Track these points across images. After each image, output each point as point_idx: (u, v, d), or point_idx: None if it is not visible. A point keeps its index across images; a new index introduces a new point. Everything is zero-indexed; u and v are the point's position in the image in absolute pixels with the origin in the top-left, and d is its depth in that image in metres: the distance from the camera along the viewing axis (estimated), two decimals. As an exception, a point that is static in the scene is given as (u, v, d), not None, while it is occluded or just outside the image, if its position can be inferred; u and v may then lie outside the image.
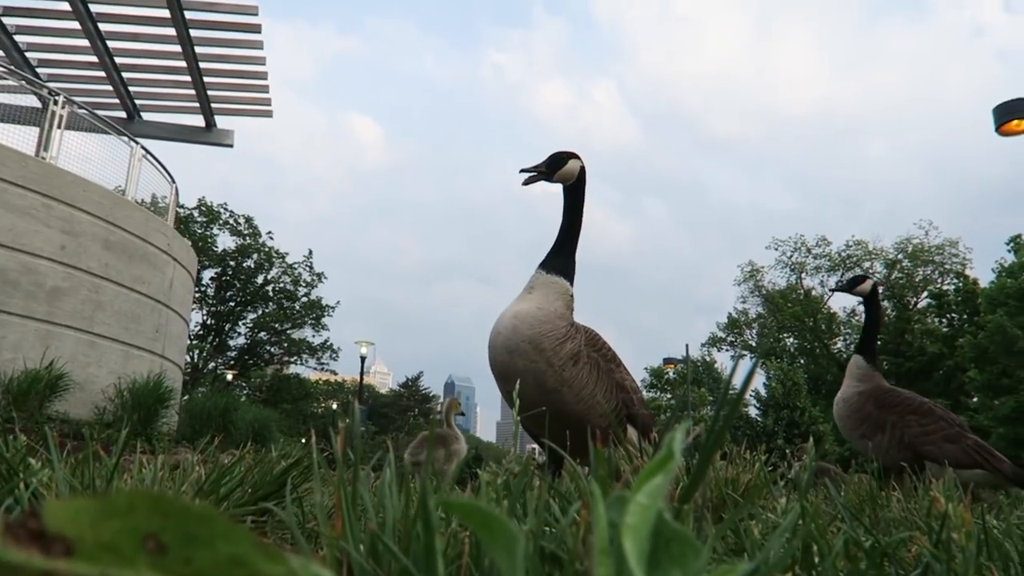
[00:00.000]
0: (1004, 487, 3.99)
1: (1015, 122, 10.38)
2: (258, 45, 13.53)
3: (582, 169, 3.08)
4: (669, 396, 42.98)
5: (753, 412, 38.62)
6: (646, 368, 44.56)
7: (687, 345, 29.78)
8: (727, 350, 43.54)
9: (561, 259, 2.99)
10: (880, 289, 5.19)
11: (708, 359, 45.60)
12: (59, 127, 10.76)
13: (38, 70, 14.61)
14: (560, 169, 3.02)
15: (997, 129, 10.59)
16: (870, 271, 39.51)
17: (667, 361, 37.69)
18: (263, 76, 14.52)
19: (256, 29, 13.03)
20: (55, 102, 10.81)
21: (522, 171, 3.08)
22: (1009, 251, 32.79)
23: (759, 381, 37.59)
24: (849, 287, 4.90)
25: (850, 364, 4.41)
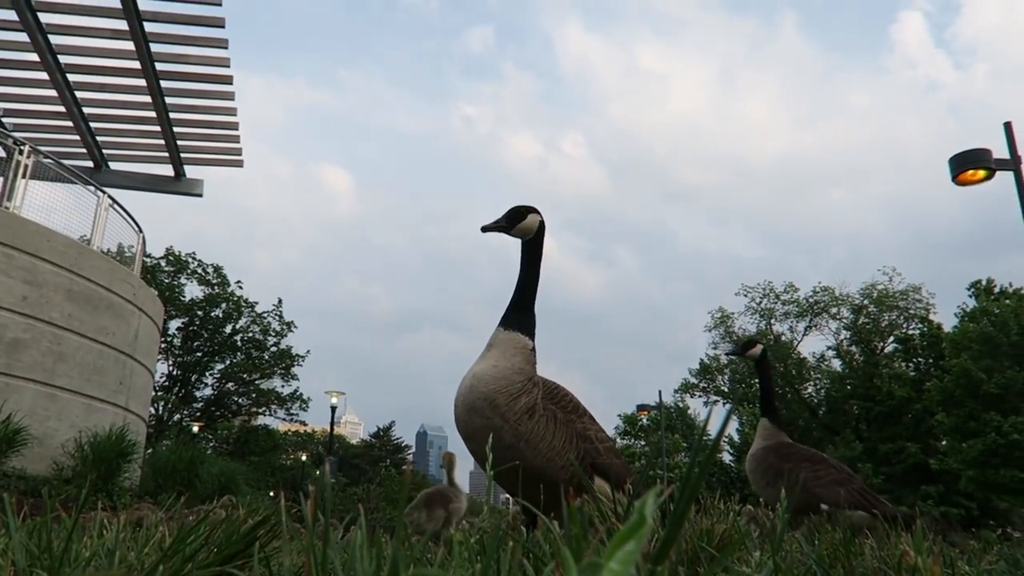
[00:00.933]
0: (882, 526, 4.35)
1: (970, 172, 10.74)
2: (229, 96, 13.60)
3: (541, 223, 3.11)
4: (643, 443, 42.82)
5: (727, 458, 38.58)
6: (620, 415, 44.51)
7: (660, 391, 29.89)
8: (700, 396, 43.66)
9: (519, 314, 3.01)
10: (769, 353, 5.47)
11: (681, 405, 45.72)
12: (24, 176, 10.64)
13: (3, 119, 14.49)
14: (520, 223, 3.05)
15: (954, 179, 10.95)
16: (838, 316, 40.19)
17: (641, 408, 37.69)
18: (234, 126, 14.56)
19: (227, 80, 13.11)
20: (20, 151, 10.71)
21: (483, 228, 3.12)
22: (971, 296, 33.65)
23: (732, 427, 37.62)
24: (742, 351, 5.18)
25: (758, 426, 4.74)
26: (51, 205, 10.99)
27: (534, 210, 3.11)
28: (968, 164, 10.75)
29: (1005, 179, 10.72)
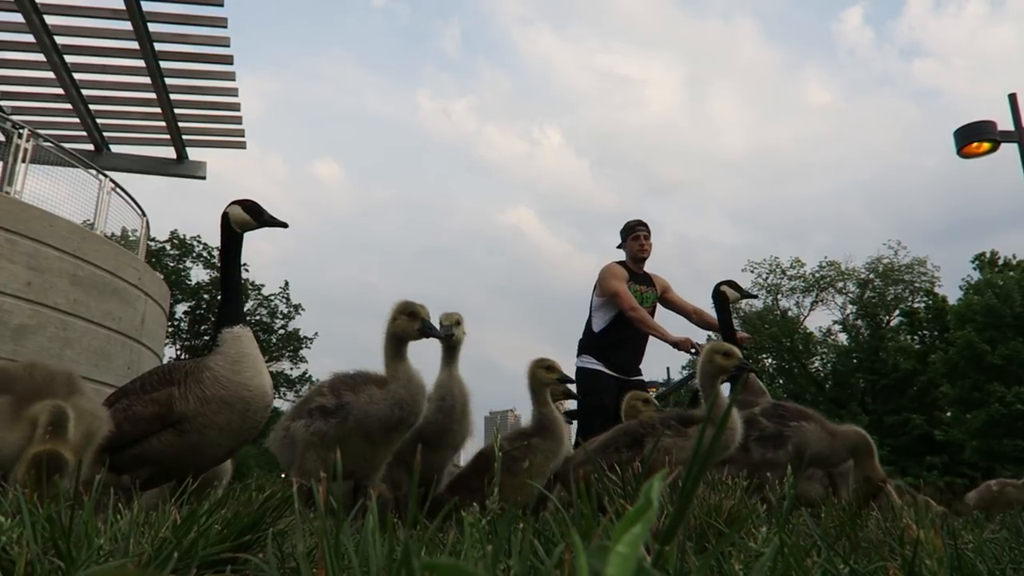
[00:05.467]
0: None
1: (975, 144, 10.69)
2: (230, 76, 13.52)
3: (225, 214, 3.17)
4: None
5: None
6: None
7: (668, 368, 29.90)
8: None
9: None
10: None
11: (691, 382, 45.68)
12: (24, 161, 10.61)
13: (1, 103, 14.44)
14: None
15: (959, 151, 10.89)
16: (844, 291, 40.16)
17: (649, 384, 37.82)
18: (236, 107, 14.49)
19: (228, 60, 13.03)
20: (19, 135, 10.67)
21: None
22: (975, 268, 33.58)
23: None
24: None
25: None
26: (52, 189, 10.98)
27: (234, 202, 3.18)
28: (973, 137, 10.70)
29: (970, 164, 11.00)
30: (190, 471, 2.73)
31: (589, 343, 5.86)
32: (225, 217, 3.13)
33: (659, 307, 6.26)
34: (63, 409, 2.18)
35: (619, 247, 6.16)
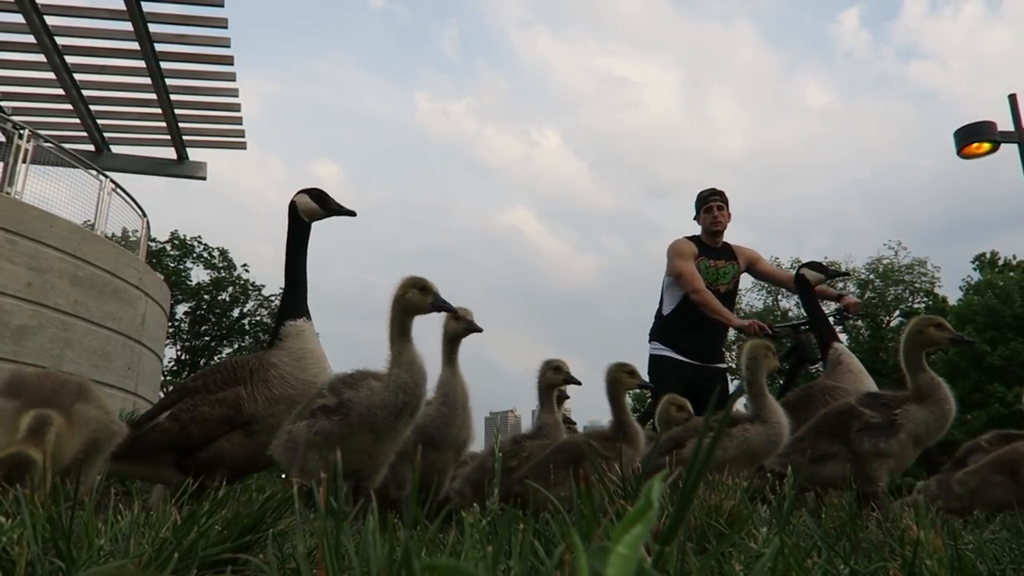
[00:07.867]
0: None
1: (975, 145, 10.70)
2: (231, 77, 13.52)
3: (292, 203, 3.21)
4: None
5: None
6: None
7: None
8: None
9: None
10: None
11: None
12: (24, 161, 10.62)
13: (1, 104, 14.44)
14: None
15: (959, 152, 10.90)
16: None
17: (646, 386, 37.71)
18: (236, 108, 14.49)
19: (228, 61, 13.03)
20: (20, 136, 10.67)
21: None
22: (975, 269, 33.60)
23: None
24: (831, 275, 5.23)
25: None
26: (53, 190, 10.98)
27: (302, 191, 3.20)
28: (973, 137, 10.72)
29: (970, 164, 11.07)
30: (256, 470, 2.69)
31: (658, 328, 5.58)
32: (293, 206, 3.10)
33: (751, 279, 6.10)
34: (46, 416, 2.17)
35: (695, 219, 5.79)
